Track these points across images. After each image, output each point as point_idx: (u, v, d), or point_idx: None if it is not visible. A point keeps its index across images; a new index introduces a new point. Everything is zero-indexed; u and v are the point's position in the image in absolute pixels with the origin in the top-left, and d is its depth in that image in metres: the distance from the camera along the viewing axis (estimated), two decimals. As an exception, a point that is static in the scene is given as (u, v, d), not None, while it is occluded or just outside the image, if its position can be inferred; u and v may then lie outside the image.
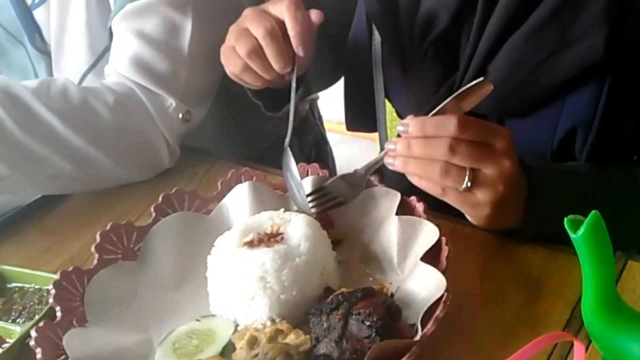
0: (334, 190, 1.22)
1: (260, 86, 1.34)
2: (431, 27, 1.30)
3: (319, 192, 1.22)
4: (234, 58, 1.30)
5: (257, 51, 1.25)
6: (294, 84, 1.30)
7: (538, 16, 1.18)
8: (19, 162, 1.34)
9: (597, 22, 1.14)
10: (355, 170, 1.21)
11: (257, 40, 1.24)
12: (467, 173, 1.05)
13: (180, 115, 1.53)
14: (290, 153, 1.29)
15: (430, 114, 1.09)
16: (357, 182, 1.21)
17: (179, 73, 1.49)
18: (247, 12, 1.30)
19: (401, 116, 1.57)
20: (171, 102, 1.51)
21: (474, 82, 1.08)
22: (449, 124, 1.03)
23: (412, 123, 1.07)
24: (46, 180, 1.42)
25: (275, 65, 1.25)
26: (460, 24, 1.28)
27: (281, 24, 1.24)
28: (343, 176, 1.22)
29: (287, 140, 1.30)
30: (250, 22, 1.27)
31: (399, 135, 1.10)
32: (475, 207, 1.09)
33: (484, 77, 1.08)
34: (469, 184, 1.05)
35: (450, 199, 1.10)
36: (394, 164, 1.09)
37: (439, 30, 1.29)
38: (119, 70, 1.50)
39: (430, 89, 1.34)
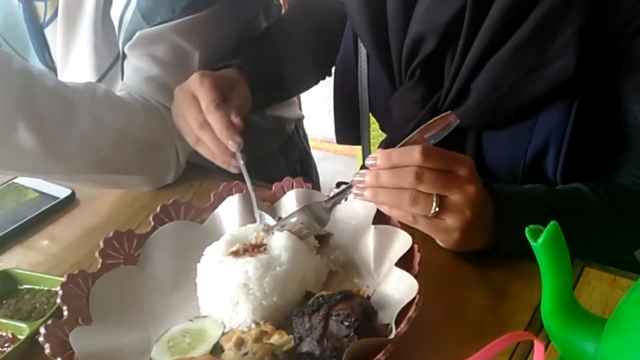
0: (298, 222, 1.20)
1: None
2: (419, 50, 1.29)
3: (280, 223, 1.21)
4: (186, 127, 1.37)
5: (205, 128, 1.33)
6: (241, 163, 1.32)
7: (518, 38, 1.17)
8: (51, 156, 1.33)
9: (570, 45, 1.14)
10: (320, 203, 1.20)
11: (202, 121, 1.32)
12: (435, 199, 1.04)
13: None
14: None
15: (397, 146, 1.07)
16: (323, 215, 1.20)
17: None
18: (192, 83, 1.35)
19: (385, 131, 1.57)
20: None
21: (439, 117, 1.07)
22: (413, 154, 1.02)
23: (379, 155, 1.06)
24: (70, 174, 1.41)
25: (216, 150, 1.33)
26: (446, 46, 1.27)
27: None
28: (309, 206, 1.21)
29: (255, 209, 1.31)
30: (187, 110, 1.34)
31: (365, 168, 1.10)
32: (445, 232, 1.08)
33: (450, 112, 1.07)
34: (437, 209, 1.04)
35: (421, 226, 1.08)
36: (363, 194, 1.08)
37: (426, 53, 1.28)
38: (137, 89, 1.50)
39: (416, 106, 1.33)
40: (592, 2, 1.13)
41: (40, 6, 1.66)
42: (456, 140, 1.34)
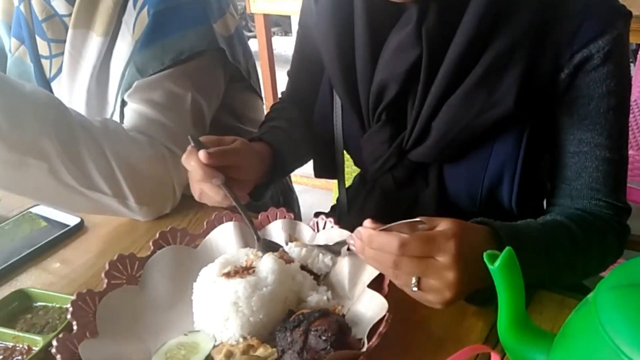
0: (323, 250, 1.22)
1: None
2: (383, 96, 1.28)
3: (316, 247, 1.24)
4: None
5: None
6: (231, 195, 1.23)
7: (469, 83, 1.18)
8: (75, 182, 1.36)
9: (513, 87, 1.15)
10: (333, 245, 1.21)
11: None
12: (414, 280, 0.99)
13: None
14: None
15: (382, 228, 1.01)
16: (334, 251, 1.21)
17: (185, 133, 1.48)
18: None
19: (359, 166, 1.57)
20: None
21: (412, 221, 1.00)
22: (391, 245, 0.97)
23: (364, 235, 1.01)
24: (87, 200, 1.41)
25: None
26: (406, 91, 1.27)
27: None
28: (325, 246, 1.22)
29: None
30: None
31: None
32: (427, 302, 1.03)
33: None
34: (414, 289, 1.00)
35: (407, 292, 1.04)
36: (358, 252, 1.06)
37: (389, 98, 1.27)
38: (139, 129, 1.50)
39: (384, 146, 1.33)
40: (533, 47, 1.15)
41: (46, 63, 1.70)
42: (420, 175, 1.35)
